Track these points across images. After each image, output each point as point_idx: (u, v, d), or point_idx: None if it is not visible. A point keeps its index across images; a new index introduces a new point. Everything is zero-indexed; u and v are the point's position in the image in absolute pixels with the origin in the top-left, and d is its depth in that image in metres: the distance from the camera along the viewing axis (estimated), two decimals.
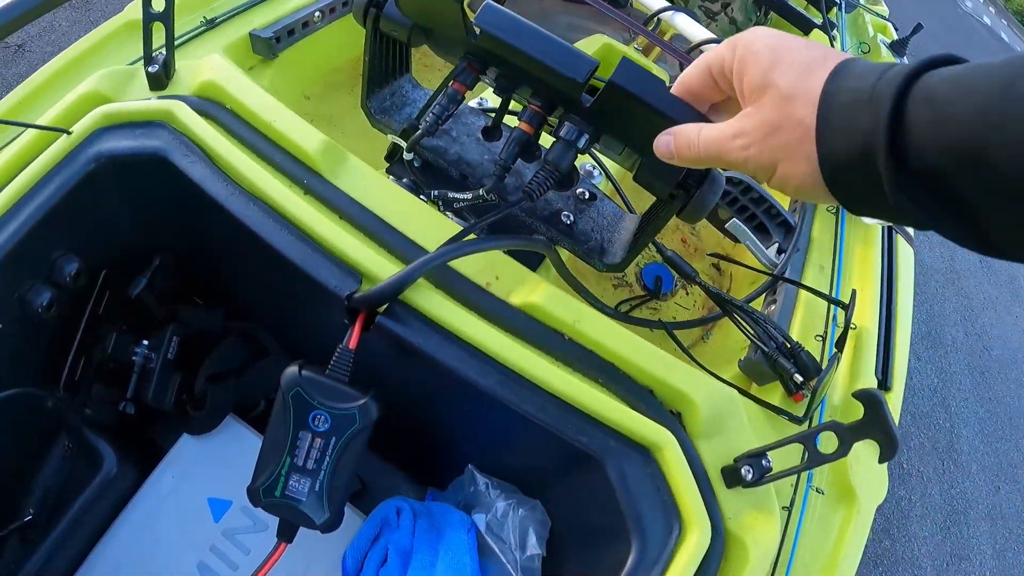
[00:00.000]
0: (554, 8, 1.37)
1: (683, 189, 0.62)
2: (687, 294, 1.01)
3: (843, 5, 1.40)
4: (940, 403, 2.85)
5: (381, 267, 0.56)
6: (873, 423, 0.48)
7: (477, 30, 0.59)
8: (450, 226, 0.61)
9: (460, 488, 0.67)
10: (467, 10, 0.61)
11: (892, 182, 0.34)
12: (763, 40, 0.42)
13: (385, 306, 0.56)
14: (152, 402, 0.68)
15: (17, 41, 1.83)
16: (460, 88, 0.65)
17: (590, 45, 1.02)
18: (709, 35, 0.80)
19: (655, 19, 0.87)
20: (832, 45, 1.18)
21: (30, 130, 0.63)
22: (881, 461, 0.51)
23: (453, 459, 0.69)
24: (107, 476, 0.68)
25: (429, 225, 0.60)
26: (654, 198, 0.67)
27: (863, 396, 0.49)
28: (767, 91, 0.40)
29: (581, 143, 0.62)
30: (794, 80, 0.39)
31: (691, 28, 0.82)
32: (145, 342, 0.68)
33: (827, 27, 1.23)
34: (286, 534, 0.60)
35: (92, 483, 0.69)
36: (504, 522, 0.61)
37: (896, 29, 1.48)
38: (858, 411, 0.49)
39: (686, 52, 0.82)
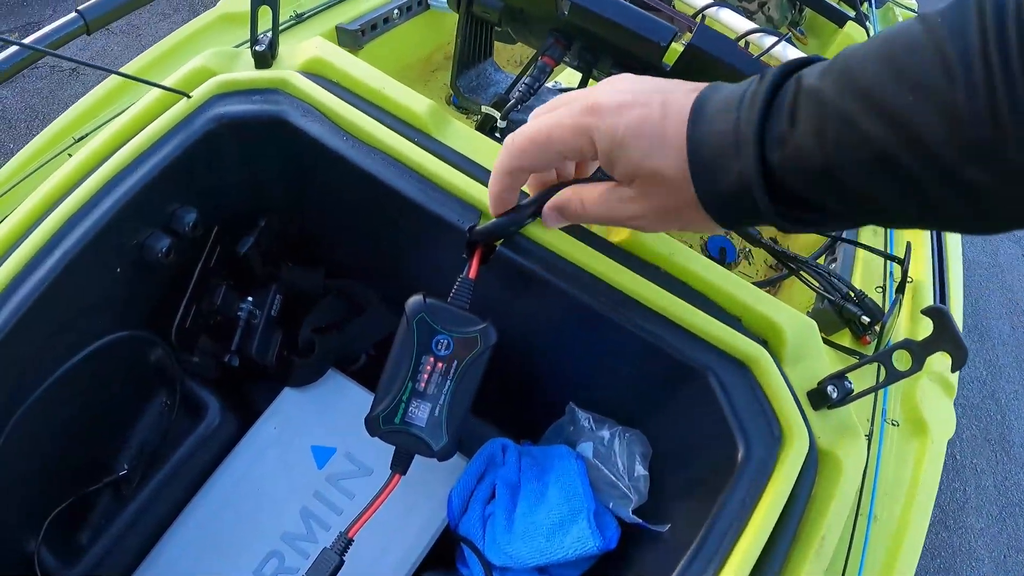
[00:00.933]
0: None
1: None
2: (750, 264, 1.06)
3: (873, 1, 1.49)
4: (990, 395, 2.86)
5: None
6: (942, 335, 0.53)
7: (567, 6, 0.66)
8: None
9: (559, 431, 0.70)
10: None
11: (771, 211, 0.37)
12: (600, 127, 0.42)
13: (502, 240, 0.60)
14: (256, 356, 0.71)
15: (71, 65, 1.90)
16: (549, 61, 0.72)
17: None
18: (751, 25, 0.89)
19: (700, 15, 0.96)
20: (868, 37, 1.27)
21: (148, 95, 0.68)
22: (953, 370, 0.56)
23: (548, 404, 0.73)
24: (210, 426, 0.71)
25: None
26: None
27: (930, 311, 0.54)
28: (636, 179, 0.42)
29: None
30: (649, 155, 0.40)
31: (737, 22, 0.91)
32: (250, 298, 0.72)
33: (862, 19, 1.32)
34: (401, 464, 0.62)
35: (194, 433, 0.71)
36: (611, 448, 0.64)
37: None
38: None
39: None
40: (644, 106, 0.41)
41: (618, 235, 0.64)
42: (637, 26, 0.64)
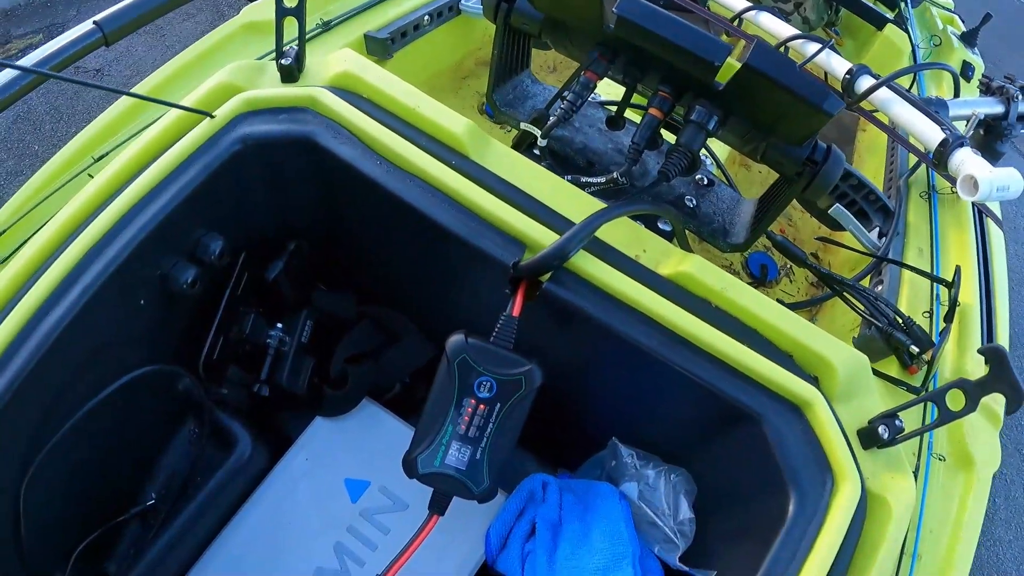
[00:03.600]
0: None
1: (809, 165, 0.66)
2: (791, 282, 1.04)
3: (910, 0, 1.44)
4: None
5: (544, 236, 0.58)
6: (999, 376, 0.51)
7: (613, 20, 0.63)
8: (596, 203, 0.64)
9: (598, 464, 0.68)
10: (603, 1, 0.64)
11: None
12: None
13: (550, 274, 0.58)
14: (287, 384, 0.69)
15: (95, 66, 1.86)
16: (592, 76, 0.68)
17: None
18: (794, 31, 0.85)
19: (739, 19, 0.92)
20: (910, 39, 1.23)
21: (169, 115, 0.65)
22: (1008, 412, 0.54)
23: (589, 437, 0.71)
24: (241, 458, 0.69)
25: (576, 201, 0.63)
26: (754, 186, 0.71)
27: (988, 351, 0.51)
28: None
29: (711, 125, 0.65)
30: None
31: (776, 26, 0.87)
32: (279, 325, 0.69)
33: (902, 22, 1.27)
34: (439, 506, 0.60)
35: (224, 465, 0.69)
36: (656, 489, 0.62)
37: (963, 21, 1.52)
38: None
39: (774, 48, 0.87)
40: None
41: (667, 268, 0.61)
42: (690, 44, 0.60)
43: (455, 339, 0.57)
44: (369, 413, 0.71)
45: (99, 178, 0.61)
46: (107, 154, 0.75)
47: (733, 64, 0.63)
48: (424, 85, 1.04)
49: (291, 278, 0.70)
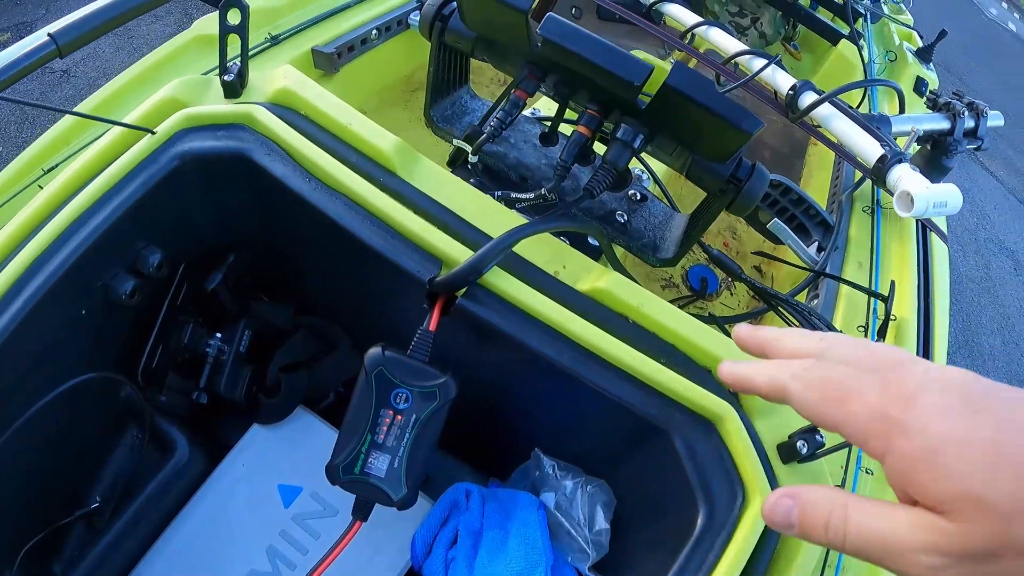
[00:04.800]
0: (591, 26, 1.44)
1: (733, 183, 0.67)
2: (731, 294, 1.04)
3: (868, 16, 1.44)
4: None
5: (460, 253, 0.59)
6: None
7: (540, 40, 0.64)
8: (519, 220, 0.65)
9: (525, 474, 0.70)
10: (530, 22, 0.65)
11: None
12: (942, 424, 0.31)
13: (464, 289, 0.59)
14: (224, 393, 0.70)
15: (62, 67, 1.89)
16: (522, 95, 0.69)
17: None
18: (742, 47, 0.86)
19: (690, 34, 0.92)
20: (860, 55, 1.23)
21: (114, 130, 0.67)
22: None
23: (517, 447, 0.72)
24: (178, 463, 0.71)
25: (499, 218, 0.64)
26: (695, 203, 0.72)
27: None
28: (966, 505, 0.29)
29: (637, 143, 0.66)
30: (1010, 491, 0.28)
31: (726, 42, 0.88)
32: (218, 335, 0.71)
33: (854, 37, 1.28)
34: (362, 511, 0.62)
35: (163, 470, 0.71)
36: (573, 500, 0.63)
37: (921, 37, 1.52)
38: None
39: (722, 64, 0.87)
40: (978, 412, 0.31)
41: (585, 284, 0.62)
42: (610, 64, 0.62)
43: (373, 352, 0.59)
44: (303, 421, 0.73)
45: (45, 192, 0.63)
46: (57, 166, 0.77)
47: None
48: (374, 98, 1.06)
49: (230, 289, 0.72)
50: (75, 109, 0.70)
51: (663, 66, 1.19)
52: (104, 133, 0.68)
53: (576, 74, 0.65)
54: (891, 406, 0.32)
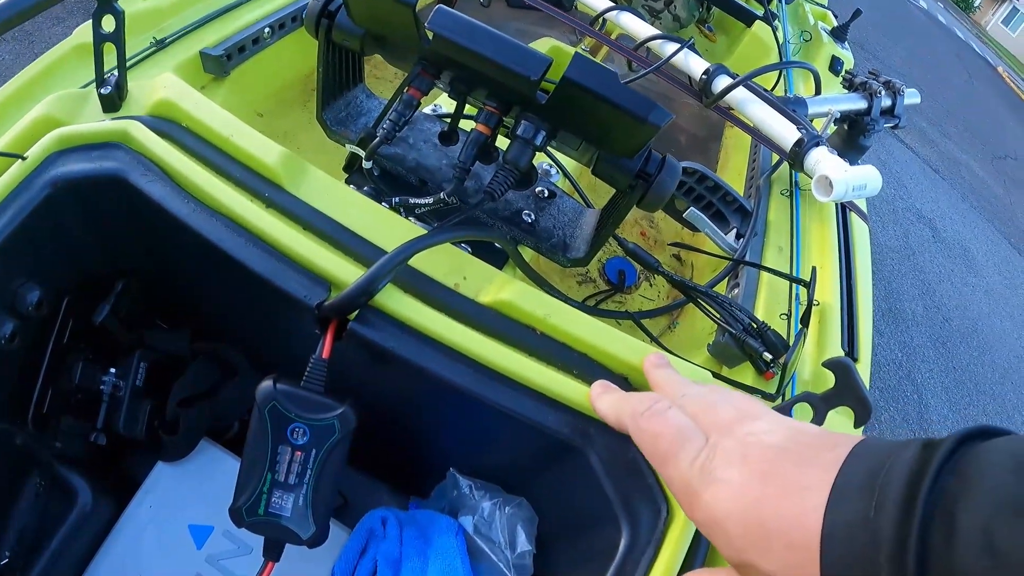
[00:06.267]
0: (501, 14, 1.39)
1: (642, 178, 0.64)
2: (651, 286, 1.02)
3: None
4: (906, 376, 2.93)
5: (350, 274, 0.56)
6: (845, 390, 0.50)
7: (430, 34, 0.60)
8: (415, 230, 0.62)
9: (443, 494, 0.67)
10: (418, 16, 0.61)
11: None
12: (725, 502, 0.33)
13: (356, 313, 0.56)
14: (124, 431, 0.66)
15: None
16: (415, 94, 0.65)
17: (538, 48, 1.03)
18: (654, 31, 0.82)
19: (601, 19, 0.89)
20: (775, 36, 1.21)
21: None
22: (856, 426, 0.53)
23: (433, 465, 0.69)
24: (83, 511, 0.67)
25: (394, 230, 0.61)
26: (611, 193, 0.69)
27: (832, 364, 0.50)
28: (750, 573, 0.32)
29: (538, 140, 0.63)
30: (782, 559, 0.30)
31: (637, 26, 0.84)
32: (113, 370, 0.67)
33: (769, 18, 1.26)
34: (272, 552, 0.59)
35: (68, 519, 0.67)
36: (492, 522, 0.61)
37: (836, 17, 1.52)
38: (829, 383, 0.50)
39: (632, 50, 0.84)
40: (764, 480, 0.32)
41: (488, 296, 0.59)
42: (505, 59, 0.58)
43: (264, 386, 0.55)
44: (209, 455, 0.69)
45: None
46: None
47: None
48: (271, 99, 1.00)
49: (121, 319, 0.67)
50: None
51: (571, 54, 1.15)
52: None
53: (471, 70, 0.62)
54: (695, 479, 0.34)
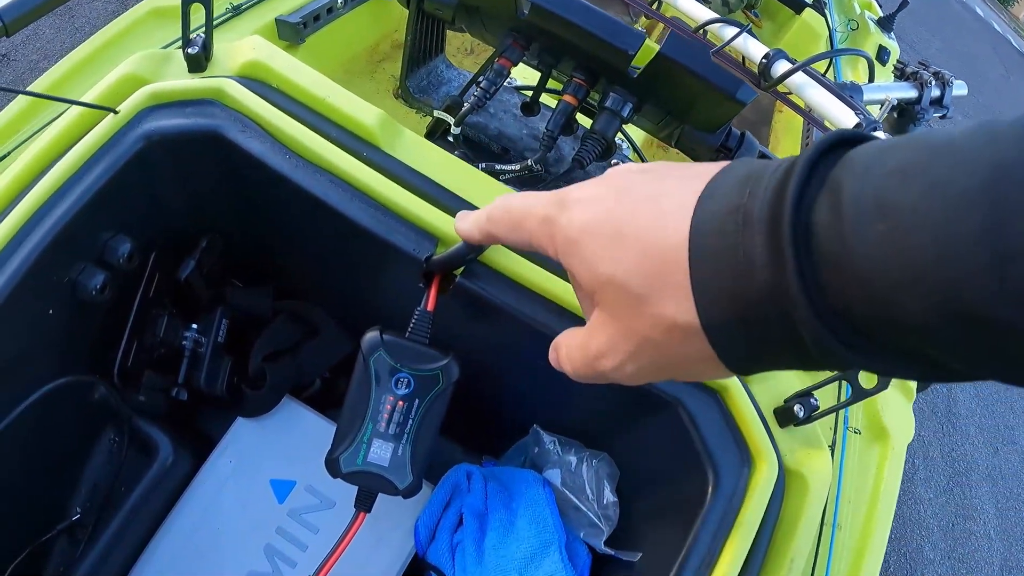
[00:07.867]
0: None
1: (723, 152, 0.66)
2: None
3: None
4: None
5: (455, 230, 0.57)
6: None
7: (527, 6, 0.62)
8: (508, 192, 0.63)
9: (522, 450, 0.69)
10: None
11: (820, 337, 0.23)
12: (584, 213, 0.31)
13: (462, 268, 0.57)
14: (205, 387, 0.67)
15: (1, 51, 1.75)
16: (506, 63, 0.67)
17: None
18: (712, 15, 0.85)
19: (658, 2, 0.91)
20: (827, 23, 1.25)
21: (71, 111, 0.62)
22: (920, 390, 0.56)
23: (510, 424, 0.71)
24: (163, 465, 0.67)
25: (490, 191, 0.62)
26: None
27: None
28: (607, 293, 0.30)
29: (625, 112, 0.65)
30: (637, 267, 0.28)
31: (695, 9, 0.87)
32: (194, 326, 0.67)
33: (820, 6, 1.29)
34: (365, 503, 0.60)
35: (147, 473, 0.67)
36: (578, 475, 0.63)
37: (880, 6, 1.56)
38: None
39: (692, 32, 0.87)
40: (618, 193, 0.30)
41: None
42: (604, 32, 0.60)
43: (370, 336, 0.57)
44: (290, 411, 0.70)
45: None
46: (8, 154, 0.71)
47: (652, 47, 0.63)
48: (339, 69, 1.01)
49: (205, 276, 0.68)
50: (32, 87, 0.64)
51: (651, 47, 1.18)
52: (60, 115, 0.63)
53: (564, 42, 0.64)
54: (553, 211, 0.33)
